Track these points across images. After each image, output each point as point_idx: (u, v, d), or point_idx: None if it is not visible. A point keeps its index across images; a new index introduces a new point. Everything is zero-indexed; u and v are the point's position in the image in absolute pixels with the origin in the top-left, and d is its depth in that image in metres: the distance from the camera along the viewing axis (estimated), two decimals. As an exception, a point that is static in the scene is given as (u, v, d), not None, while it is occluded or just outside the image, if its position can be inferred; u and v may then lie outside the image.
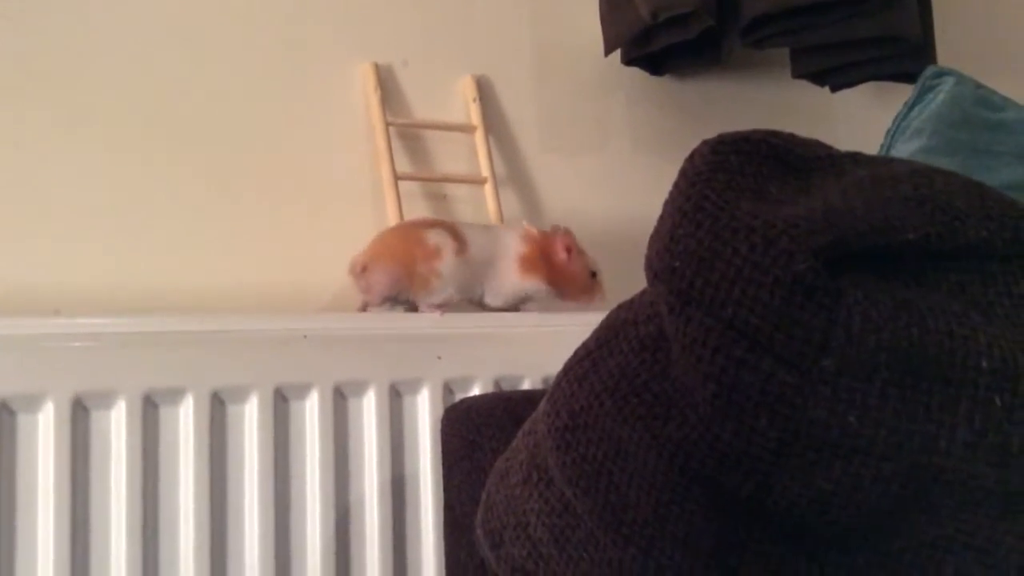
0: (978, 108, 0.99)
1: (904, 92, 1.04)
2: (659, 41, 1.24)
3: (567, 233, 1.11)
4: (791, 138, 0.52)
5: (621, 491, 0.49)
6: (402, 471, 0.99)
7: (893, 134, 1.02)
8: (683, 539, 0.48)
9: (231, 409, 0.92)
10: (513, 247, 1.09)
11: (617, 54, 1.32)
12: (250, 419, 0.92)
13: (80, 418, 0.85)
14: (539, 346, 1.04)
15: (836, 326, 0.41)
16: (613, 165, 1.34)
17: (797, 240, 0.42)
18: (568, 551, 0.52)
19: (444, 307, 1.06)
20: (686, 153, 0.49)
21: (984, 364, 0.40)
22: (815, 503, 0.44)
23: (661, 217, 0.49)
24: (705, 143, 0.49)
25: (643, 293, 0.54)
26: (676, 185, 0.49)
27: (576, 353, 0.55)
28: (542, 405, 0.58)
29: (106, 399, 0.86)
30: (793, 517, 0.45)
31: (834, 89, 1.40)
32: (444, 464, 0.86)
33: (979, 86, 0.99)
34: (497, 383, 1.03)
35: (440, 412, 0.92)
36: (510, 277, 1.09)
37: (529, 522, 0.55)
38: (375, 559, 0.96)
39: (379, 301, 1.05)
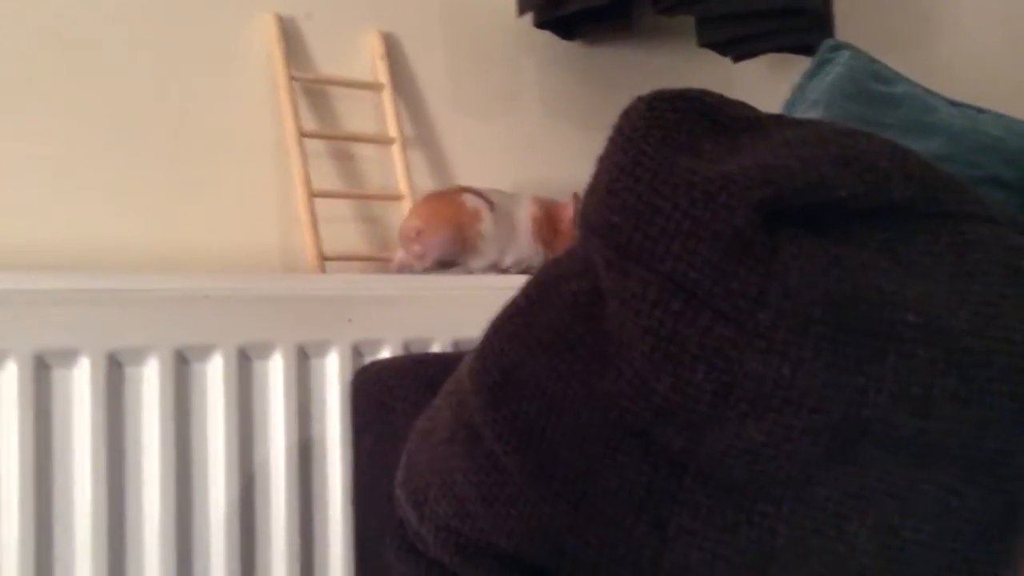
0: (871, 82, 1.03)
1: (799, 65, 1.06)
2: (572, 4, 1.24)
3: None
4: (721, 98, 0.53)
5: (553, 447, 0.49)
6: (309, 436, 0.97)
7: (791, 104, 1.04)
8: (614, 492, 0.48)
9: (129, 371, 0.87)
10: (527, 212, 1.13)
11: (529, 16, 1.31)
12: (149, 382, 0.88)
13: (-36, 381, 0.80)
14: (449, 309, 1.02)
15: (773, 280, 0.42)
16: (522, 127, 1.34)
17: (736, 195, 0.43)
18: (496, 508, 0.52)
19: (490, 269, 1.09)
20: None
21: (910, 318, 0.42)
22: (746, 454, 0.45)
23: (596, 172, 0.49)
24: (641, 99, 0.49)
25: (573, 249, 0.53)
26: (612, 140, 0.48)
27: (505, 310, 0.54)
28: (468, 363, 0.57)
29: (-7, 361, 0.81)
30: (723, 468, 0.46)
31: (736, 59, 1.42)
32: (354, 427, 0.85)
33: (873, 60, 1.03)
34: (407, 346, 1.01)
35: (349, 375, 0.90)
36: (527, 241, 1.13)
37: (455, 480, 0.55)
38: (281, 526, 0.94)
39: (431, 264, 1.07)
